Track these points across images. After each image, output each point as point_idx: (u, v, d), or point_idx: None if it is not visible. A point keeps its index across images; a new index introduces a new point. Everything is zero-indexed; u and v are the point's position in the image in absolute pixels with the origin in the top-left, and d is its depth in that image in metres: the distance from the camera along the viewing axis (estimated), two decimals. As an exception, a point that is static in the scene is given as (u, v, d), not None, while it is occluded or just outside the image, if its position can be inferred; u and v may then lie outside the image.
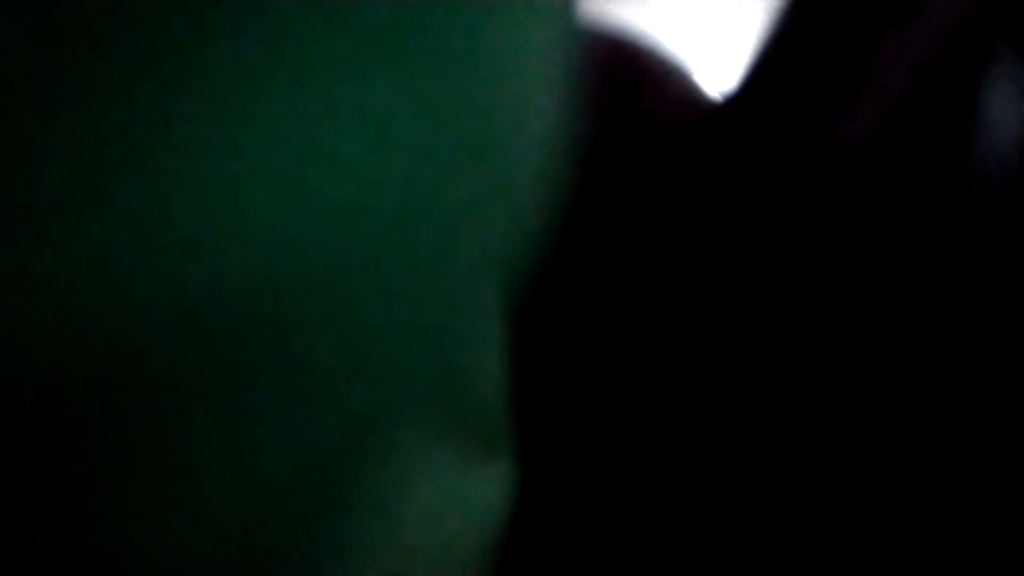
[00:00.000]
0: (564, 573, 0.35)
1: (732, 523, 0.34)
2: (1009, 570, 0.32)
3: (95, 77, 0.16)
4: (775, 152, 0.34)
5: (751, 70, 0.36)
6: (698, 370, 0.34)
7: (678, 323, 0.35)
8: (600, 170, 0.36)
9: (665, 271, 0.35)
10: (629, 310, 0.35)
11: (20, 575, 0.18)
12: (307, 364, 0.20)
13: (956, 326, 0.33)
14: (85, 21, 0.16)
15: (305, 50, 0.18)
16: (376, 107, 0.19)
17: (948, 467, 0.33)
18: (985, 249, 0.33)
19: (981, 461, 0.33)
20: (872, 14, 0.34)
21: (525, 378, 0.28)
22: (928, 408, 0.33)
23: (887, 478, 0.33)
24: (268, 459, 0.20)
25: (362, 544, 0.22)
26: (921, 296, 0.33)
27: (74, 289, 0.17)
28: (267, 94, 0.18)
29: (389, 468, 0.22)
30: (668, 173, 0.36)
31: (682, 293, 0.35)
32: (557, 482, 0.34)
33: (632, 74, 0.39)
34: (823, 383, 0.33)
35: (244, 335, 0.19)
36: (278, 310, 0.19)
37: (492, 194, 0.22)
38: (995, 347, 0.33)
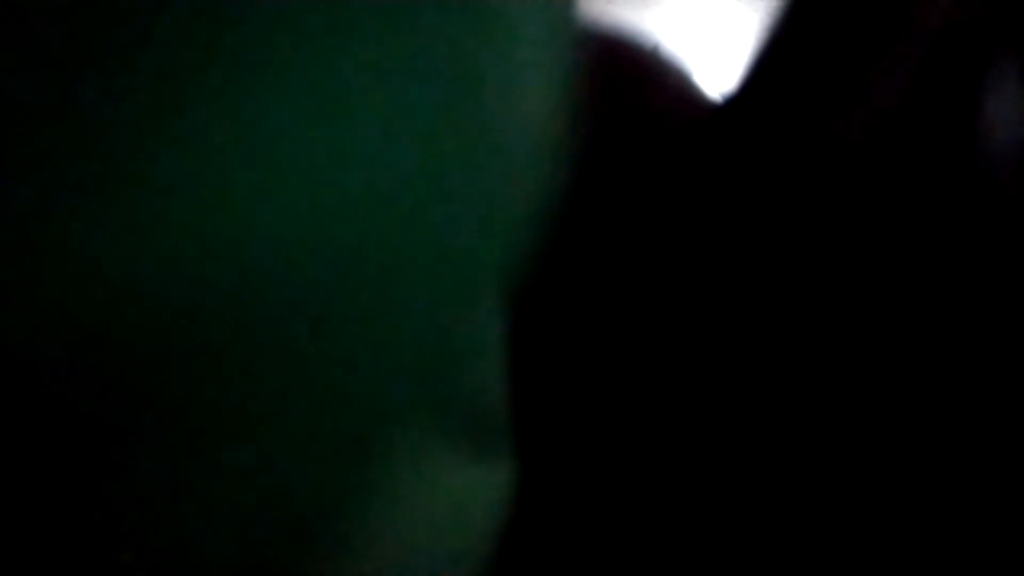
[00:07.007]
0: (564, 573, 0.35)
1: (732, 523, 0.34)
2: (1009, 570, 0.32)
3: (112, 75, 0.17)
4: (775, 152, 0.34)
5: (751, 70, 0.36)
6: (698, 369, 0.34)
7: (678, 322, 0.35)
8: (600, 171, 0.36)
9: (665, 271, 0.35)
10: (629, 309, 0.35)
11: (44, 565, 0.18)
12: (308, 363, 0.20)
13: (957, 325, 0.33)
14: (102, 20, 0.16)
15: (314, 49, 0.18)
16: (377, 107, 0.19)
17: (948, 467, 0.33)
18: (986, 249, 0.33)
19: (981, 461, 0.33)
20: (872, 14, 0.34)
21: (525, 377, 0.28)
22: (928, 408, 0.33)
23: (887, 478, 0.33)
24: (269, 459, 0.20)
25: (361, 544, 0.22)
26: (922, 295, 0.33)
27: (95, 282, 0.17)
28: (281, 92, 0.18)
29: (389, 468, 0.22)
30: (668, 174, 0.36)
31: (682, 292, 0.35)
32: (557, 482, 0.34)
33: (632, 75, 0.39)
34: (823, 381, 0.33)
35: (247, 334, 0.19)
36: (281, 309, 0.19)
37: (492, 194, 0.22)
38: (996, 346, 0.33)
